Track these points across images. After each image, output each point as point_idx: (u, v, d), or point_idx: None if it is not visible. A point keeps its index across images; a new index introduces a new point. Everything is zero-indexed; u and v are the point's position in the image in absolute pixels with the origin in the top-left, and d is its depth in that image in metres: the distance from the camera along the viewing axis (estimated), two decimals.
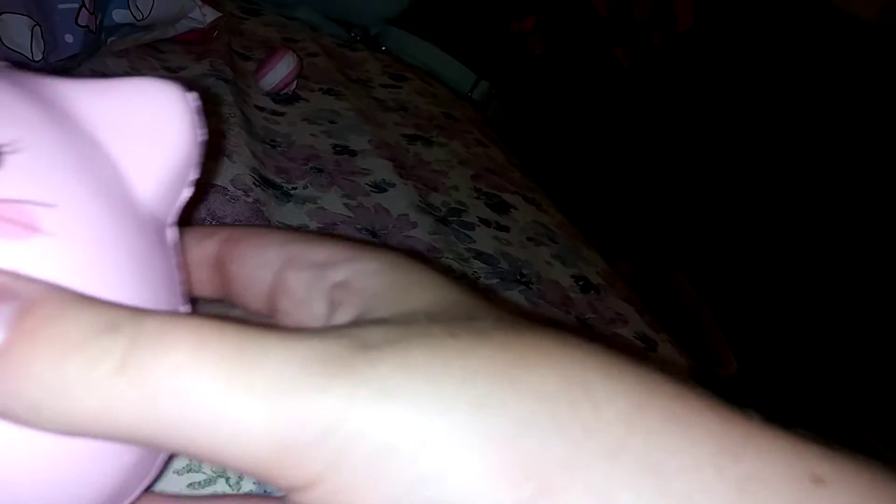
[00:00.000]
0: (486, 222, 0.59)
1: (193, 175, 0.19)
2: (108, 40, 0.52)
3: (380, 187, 0.57)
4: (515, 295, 0.50)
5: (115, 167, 0.17)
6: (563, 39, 1.27)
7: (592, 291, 0.55)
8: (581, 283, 0.56)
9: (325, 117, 0.67)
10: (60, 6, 0.43)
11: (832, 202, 1.32)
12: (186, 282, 0.20)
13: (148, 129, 0.18)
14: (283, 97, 0.69)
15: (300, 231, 0.22)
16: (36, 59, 0.42)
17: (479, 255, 0.53)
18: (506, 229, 0.59)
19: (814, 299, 1.29)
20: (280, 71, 0.68)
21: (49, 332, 0.13)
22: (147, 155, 0.18)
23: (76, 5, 0.44)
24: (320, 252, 0.19)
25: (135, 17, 0.52)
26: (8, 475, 0.14)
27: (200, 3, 0.61)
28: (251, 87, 0.69)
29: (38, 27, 0.42)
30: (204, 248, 0.21)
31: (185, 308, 0.19)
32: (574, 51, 1.28)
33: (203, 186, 0.20)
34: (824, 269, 1.31)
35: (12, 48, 0.41)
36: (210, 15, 0.62)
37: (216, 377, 0.13)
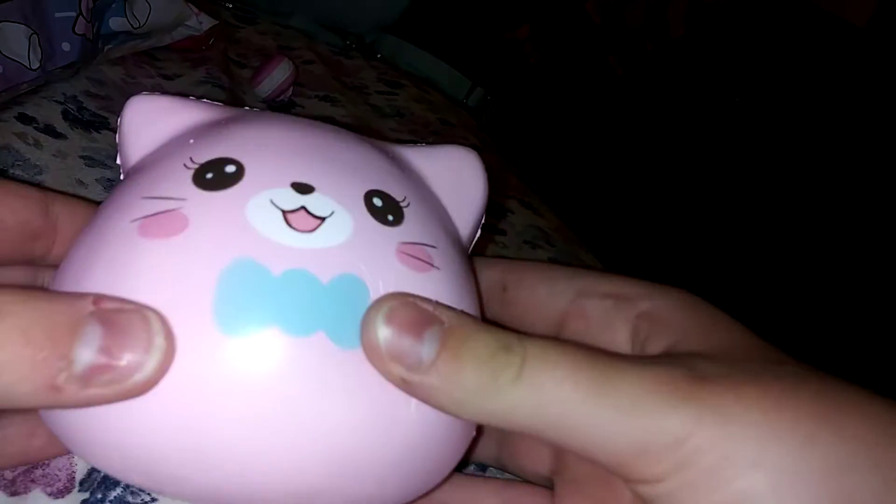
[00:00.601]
0: (482, 227, 0.59)
1: (483, 219, 0.25)
2: (105, 48, 0.53)
3: None
4: None
5: (449, 215, 0.24)
6: (557, 47, 1.28)
7: None
8: None
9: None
10: (57, 15, 0.44)
11: (826, 205, 1.33)
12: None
13: (463, 186, 0.24)
14: (279, 104, 0.69)
15: (578, 267, 0.26)
16: (33, 67, 0.42)
17: None
18: (503, 233, 0.59)
19: (805, 303, 1.30)
20: (276, 78, 0.68)
21: (466, 348, 0.18)
22: (464, 206, 0.24)
23: (73, 14, 0.44)
24: (613, 285, 0.23)
25: (131, 25, 0.52)
26: (431, 445, 0.20)
27: (197, 10, 0.61)
28: (247, 94, 0.69)
29: (35, 35, 0.42)
30: (488, 276, 0.26)
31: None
32: (568, 58, 1.29)
33: None
34: (815, 272, 1.31)
35: (10, 57, 0.41)
36: (207, 22, 0.62)
37: (589, 392, 0.17)
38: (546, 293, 0.24)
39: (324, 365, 0.18)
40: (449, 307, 0.19)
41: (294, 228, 0.18)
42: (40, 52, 0.42)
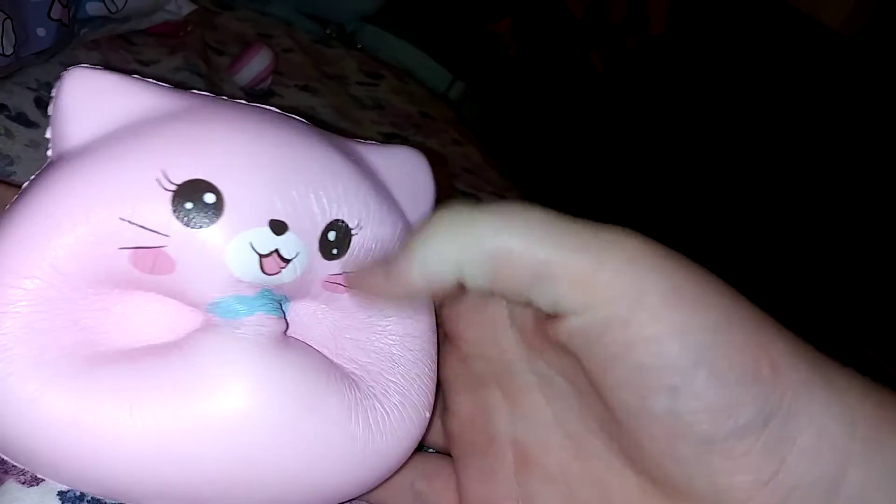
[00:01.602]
0: None
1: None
2: (81, 31, 0.51)
3: None
4: None
5: (402, 211, 0.26)
6: (538, 41, 1.28)
7: None
8: None
9: (300, 114, 0.67)
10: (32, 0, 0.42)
11: (805, 201, 1.35)
12: None
13: (415, 185, 0.26)
14: (257, 93, 0.68)
15: None
16: (7, 53, 0.41)
17: None
18: None
19: (793, 302, 1.32)
20: (255, 66, 0.67)
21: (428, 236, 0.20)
22: (417, 202, 0.26)
23: None
24: None
25: (109, 11, 0.51)
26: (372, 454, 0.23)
27: None
28: (225, 81, 0.68)
29: (9, 20, 0.41)
30: None
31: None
32: (549, 53, 1.29)
33: None
34: (795, 271, 1.33)
35: None
36: (186, 7, 0.61)
37: (539, 230, 0.18)
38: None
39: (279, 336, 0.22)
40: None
41: (265, 273, 0.22)
42: (14, 37, 0.41)
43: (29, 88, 0.45)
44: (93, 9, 0.50)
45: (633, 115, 1.39)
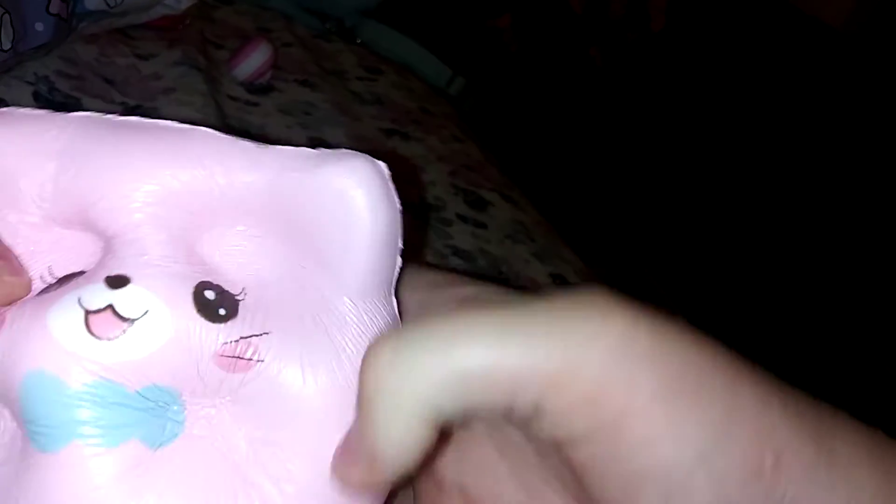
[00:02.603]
0: (463, 219, 0.58)
1: (400, 243, 0.20)
2: (79, 26, 0.51)
3: None
4: None
5: (326, 259, 0.19)
6: (538, 37, 1.27)
7: None
8: (558, 281, 0.56)
9: (300, 109, 0.67)
10: None
11: (804, 199, 1.35)
12: None
13: (346, 209, 0.18)
14: (257, 87, 0.68)
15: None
16: (5, 48, 0.40)
17: (457, 252, 0.53)
18: (483, 226, 0.59)
19: (789, 308, 1.32)
20: (255, 60, 0.67)
21: (370, 404, 0.16)
22: (349, 235, 0.19)
23: None
24: (434, 275, 0.22)
25: (108, 5, 0.51)
26: None
27: None
28: (224, 76, 0.67)
29: (7, 15, 0.40)
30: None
31: None
32: (549, 49, 1.29)
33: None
34: (793, 277, 1.33)
35: None
36: (185, 1, 0.60)
37: (492, 333, 0.15)
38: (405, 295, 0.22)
39: (139, 468, 0.17)
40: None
41: (93, 335, 0.17)
42: (12, 32, 0.40)
43: (27, 82, 0.45)
44: (91, 3, 0.49)
45: (634, 111, 1.38)
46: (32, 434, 0.17)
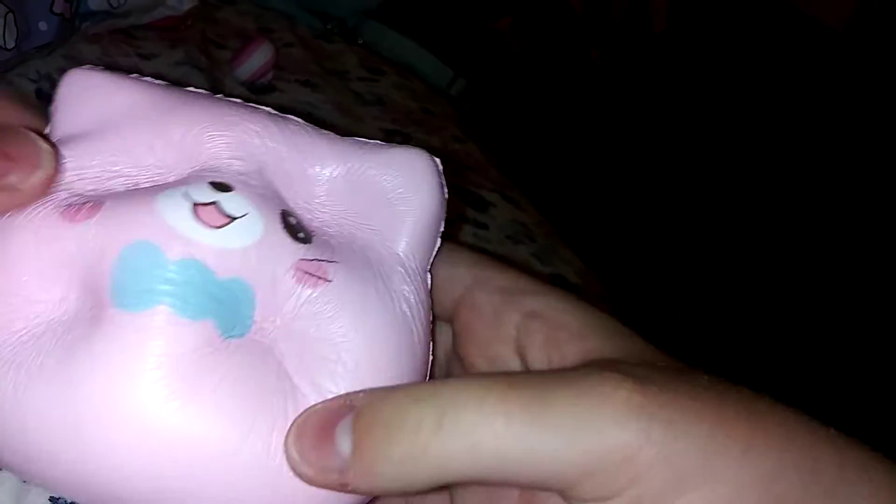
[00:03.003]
0: (464, 219, 0.59)
1: (442, 227, 0.23)
2: (82, 25, 0.51)
3: None
4: None
5: (384, 225, 0.22)
6: (539, 38, 1.28)
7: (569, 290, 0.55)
8: (558, 282, 0.56)
9: (301, 109, 0.67)
10: None
11: (804, 200, 1.35)
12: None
13: (408, 191, 0.22)
14: (258, 87, 0.68)
15: (485, 253, 0.24)
16: (8, 47, 0.41)
17: None
18: (484, 227, 0.59)
19: (789, 309, 1.32)
20: (256, 60, 0.67)
21: (377, 423, 0.17)
22: (407, 213, 0.22)
23: None
24: (508, 279, 0.22)
25: (111, 6, 0.51)
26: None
27: None
28: (226, 76, 0.68)
29: (11, 14, 0.40)
30: None
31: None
32: (550, 50, 1.29)
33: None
34: (793, 278, 1.33)
35: None
36: (187, 2, 0.61)
37: (525, 421, 0.16)
38: (445, 277, 0.23)
39: (209, 348, 0.18)
40: (364, 390, 0.19)
41: (201, 221, 0.19)
42: (16, 31, 0.41)
43: (30, 80, 0.45)
44: (95, 3, 0.50)
45: (634, 112, 1.39)
46: (117, 295, 0.18)
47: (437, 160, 0.23)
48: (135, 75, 0.23)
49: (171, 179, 0.21)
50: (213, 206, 0.19)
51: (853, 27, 1.34)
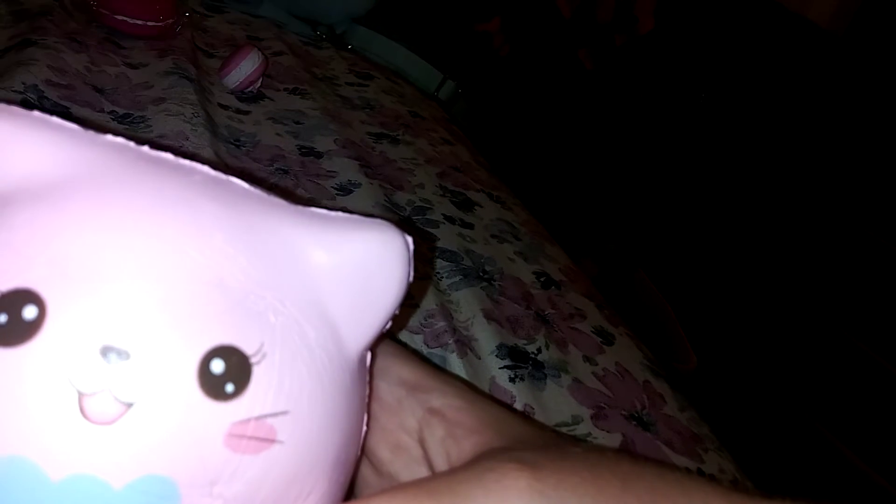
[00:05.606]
0: (450, 220, 0.59)
1: (396, 310, 0.20)
2: None
3: (345, 189, 0.57)
4: (477, 291, 0.51)
5: (332, 320, 0.19)
6: (527, 40, 1.28)
7: (553, 287, 0.56)
8: (542, 279, 0.57)
9: (290, 117, 0.67)
10: None
11: (790, 199, 1.36)
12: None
13: (370, 278, 0.19)
14: (247, 95, 0.69)
15: (388, 339, 0.25)
16: None
17: (443, 254, 0.54)
18: (470, 226, 0.60)
19: (771, 297, 1.33)
20: (245, 69, 0.68)
21: None
22: (366, 304, 0.19)
23: None
24: (409, 371, 0.25)
25: None
26: None
27: None
28: (214, 84, 0.68)
29: None
30: None
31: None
32: (538, 52, 1.30)
33: None
34: (781, 268, 1.34)
35: None
36: None
37: None
38: None
39: None
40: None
41: (88, 419, 0.15)
42: None
43: (15, 91, 0.46)
44: None
45: (623, 114, 1.39)
46: None
47: (409, 239, 0.20)
48: (56, 119, 0.19)
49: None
50: (103, 395, 0.15)
51: (841, 27, 1.35)
